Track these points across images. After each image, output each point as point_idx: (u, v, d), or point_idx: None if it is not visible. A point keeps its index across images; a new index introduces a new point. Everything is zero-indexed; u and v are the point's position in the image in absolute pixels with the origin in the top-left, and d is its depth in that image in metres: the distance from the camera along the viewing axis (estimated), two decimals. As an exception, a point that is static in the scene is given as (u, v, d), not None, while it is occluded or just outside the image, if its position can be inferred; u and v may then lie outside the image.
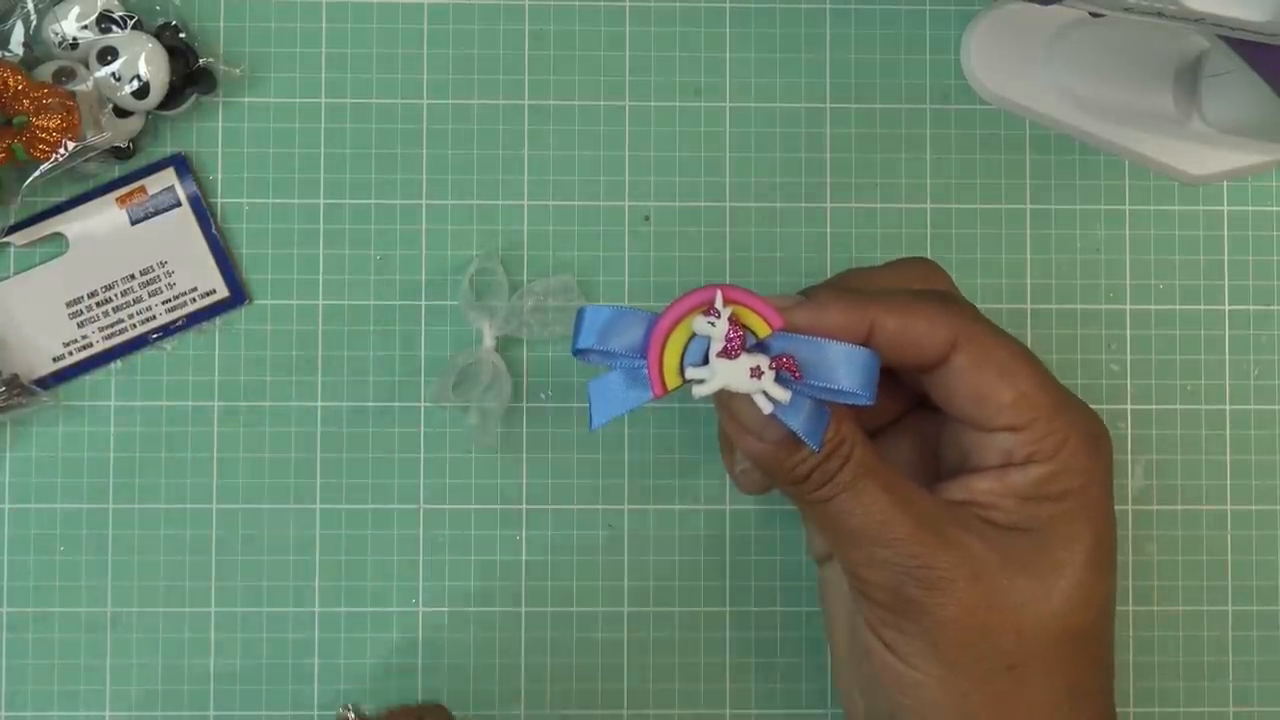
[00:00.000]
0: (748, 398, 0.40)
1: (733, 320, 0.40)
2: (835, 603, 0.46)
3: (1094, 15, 0.45)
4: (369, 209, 0.52)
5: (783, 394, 0.39)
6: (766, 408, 0.40)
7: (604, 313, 0.41)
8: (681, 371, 0.40)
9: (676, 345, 0.40)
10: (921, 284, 0.45)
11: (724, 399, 0.42)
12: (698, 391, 0.40)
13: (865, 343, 0.41)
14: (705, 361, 0.40)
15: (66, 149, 0.48)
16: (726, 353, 0.40)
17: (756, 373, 0.39)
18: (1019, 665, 0.42)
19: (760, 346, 0.40)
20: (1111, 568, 0.43)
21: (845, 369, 0.40)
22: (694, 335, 0.40)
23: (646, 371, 0.40)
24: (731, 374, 0.39)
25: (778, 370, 0.40)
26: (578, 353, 0.41)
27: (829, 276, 0.49)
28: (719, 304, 0.40)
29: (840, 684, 0.47)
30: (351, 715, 0.49)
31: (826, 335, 0.40)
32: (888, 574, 0.42)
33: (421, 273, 0.52)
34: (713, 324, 0.40)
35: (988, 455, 0.43)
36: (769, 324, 0.40)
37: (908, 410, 0.46)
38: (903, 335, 0.42)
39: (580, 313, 0.41)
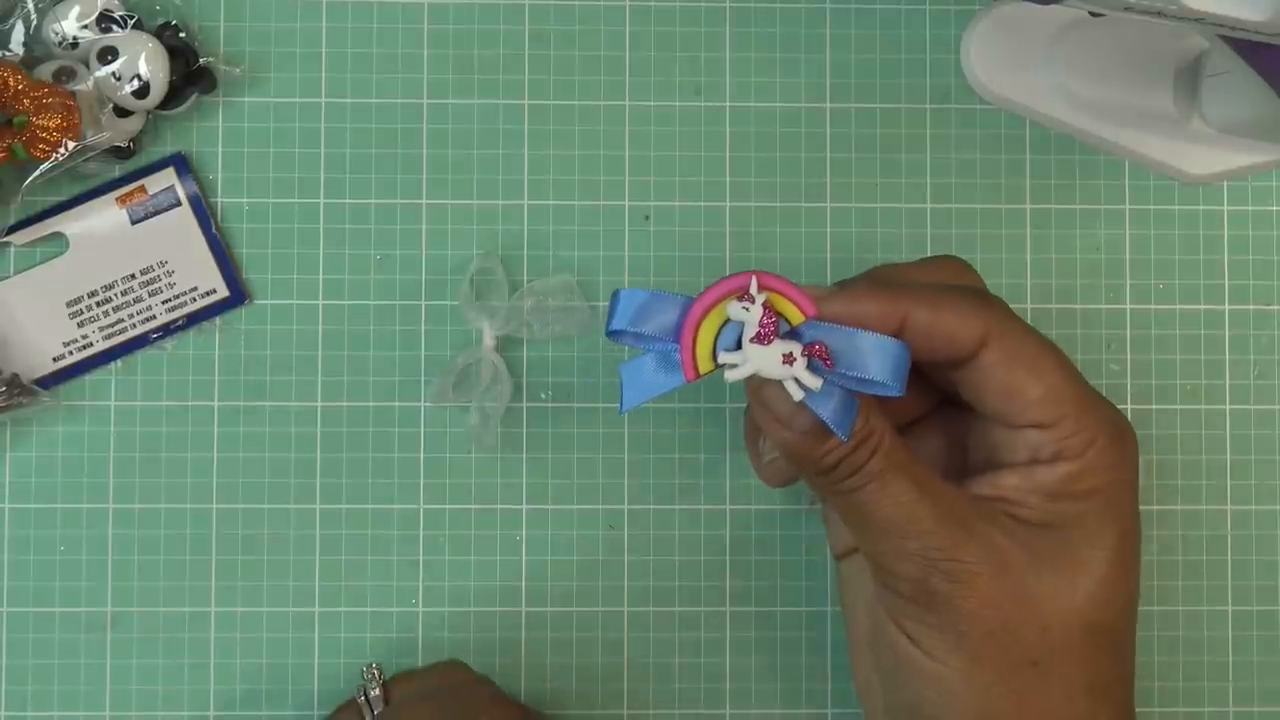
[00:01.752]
0: (779, 386, 0.40)
1: (767, 306, 0.40)
2: (856, 597, 0.47)
3: (1094, 15, 0.45)
4: (369, 209, 0.52)
5: (814, 381, 0.40)
6: (797, 394, 0.40)
7: (639, 296, 0.41)
8: (714, 356, 0.40)
9: (710, 330, 0.40)
10: (952, 281, 0.45)
11: (755, 387, 0.42)
12: (729, 376, 0.40)
13: (897, 335, 0.41)
14: (738, 347, 0.40)
15: (66, 149, 0.48)
16: (760, 338, 0.40)
17: (789, 359, 0.40)
18: (1042, 660, 0.42)
19: (793, 334, 0.40)
20: (1136, 567, 0.44)
21: (876, 359, 0.40)
22: (728, 321, 0.40)
23: (679, 355, 0.40)
24: (764, 359, 0.40)
25: (810, 357, 0.40)
26: (611, 334, 0.41)
27: (848, 275, 0.49)
28: (754, 289, 0.40)
29: (858, 679, 0.47)
30: (376, 672, 0.49)
31: (859, 326, 0.41)
32: (913, 566, 0.42)
33: (421, 273, 0.52)
34: (747, 309, 0.40)
35: (1015, 452, 0.43)
36: (803, 311, 0.40)
37: (935, 407, 0.47)
38: (935, 328, 0.42)
39: (615, 295, 0.41)
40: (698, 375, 0.40)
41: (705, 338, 0.40)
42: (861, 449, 0.41)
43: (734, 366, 0.40)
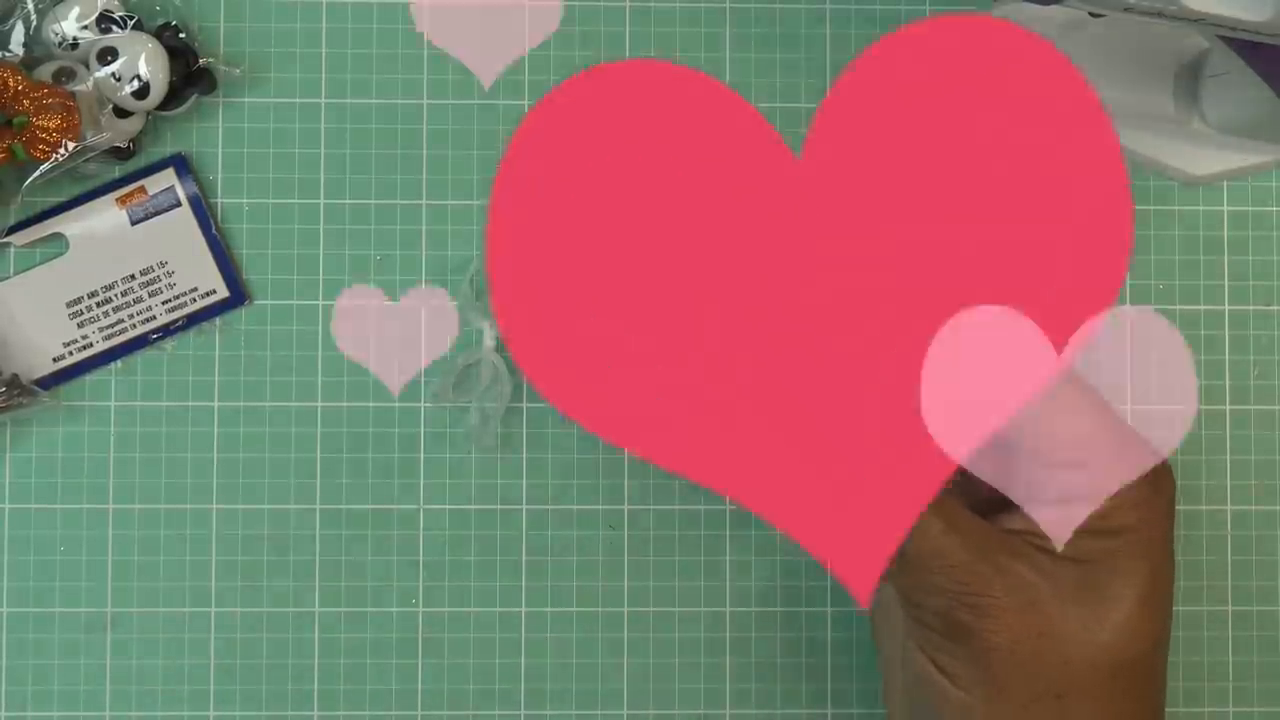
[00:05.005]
0: None
1: None
2: (890, 625, 0.47)
3: (1094, 15, 0.45)
4: (369, 209, 0.52)
5: None
6: None
7: None
8: None
9: None
10: None
11: None
12: None
13: None
14: None
15: (66, 149, 0.48)
16: None
17: None
18: (1066, 694, 0.42)
19: None
20: (1165, 606, 0.44)
21: None
22: None
23: None
24: None
25: None
26: None
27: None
28: None
29: (890, 709, 0.47)
30: None
31: None
32: (940, 599, 0.42)
33: (421, 273, 0.52)
34: None
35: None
36: None
37: None
38: None
39: None
40: None
41: None
42: None
43: None
